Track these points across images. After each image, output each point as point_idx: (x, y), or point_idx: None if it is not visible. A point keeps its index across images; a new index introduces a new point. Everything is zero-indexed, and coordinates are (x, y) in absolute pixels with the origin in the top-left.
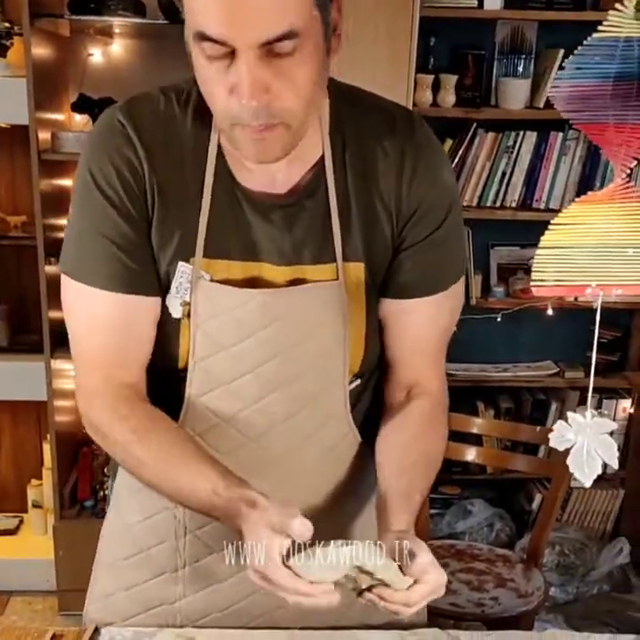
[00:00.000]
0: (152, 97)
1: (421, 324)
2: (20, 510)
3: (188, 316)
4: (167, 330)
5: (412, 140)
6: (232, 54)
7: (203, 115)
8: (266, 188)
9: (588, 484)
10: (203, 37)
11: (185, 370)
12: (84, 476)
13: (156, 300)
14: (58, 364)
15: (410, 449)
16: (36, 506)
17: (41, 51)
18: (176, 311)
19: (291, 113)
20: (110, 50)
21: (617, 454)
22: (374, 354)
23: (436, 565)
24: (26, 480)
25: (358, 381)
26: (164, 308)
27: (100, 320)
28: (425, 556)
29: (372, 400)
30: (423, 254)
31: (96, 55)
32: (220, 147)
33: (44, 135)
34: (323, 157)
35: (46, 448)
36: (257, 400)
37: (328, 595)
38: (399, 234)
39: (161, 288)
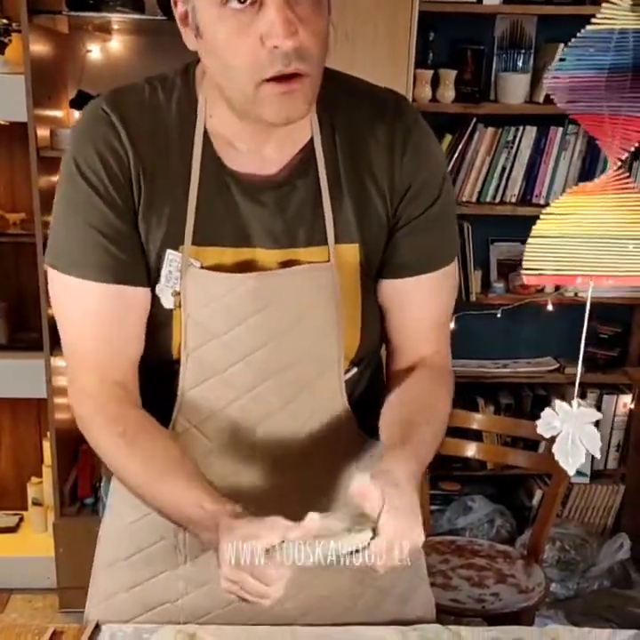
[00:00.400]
0: (137, 87)
1: (422, 305)
2: (20, 508)
3: (180, 305)
4: (160, 321)
5: (401, 121)
6: (255, 4)
7: (188, 101)
8: (256, 169)
9: (571, 472)
10: None
11: (179, 361)
12: (84, 474)
13: (146, 292)
14: (57, 361)
15: (405, 404)
16: (36, 503)
17: (39, 47)
18: (167, 302)
19: (314, 59)
20: (109, 46)
21: (600, 445)
22: (371, 340)
23: (396, 514)
24: (26, 478)
25: (355, 370)
26: (156, 300)
27: (90, 314)
28: (386, 500)
29: (369, 386)
30: (419, 232)
31: (95, 51)
32: (206, 132)
33: (43, 132)
34: (312, 139)
35: (46, 445)
36: (250, 388)
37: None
38: (394, 214)
39: (150, 279)
